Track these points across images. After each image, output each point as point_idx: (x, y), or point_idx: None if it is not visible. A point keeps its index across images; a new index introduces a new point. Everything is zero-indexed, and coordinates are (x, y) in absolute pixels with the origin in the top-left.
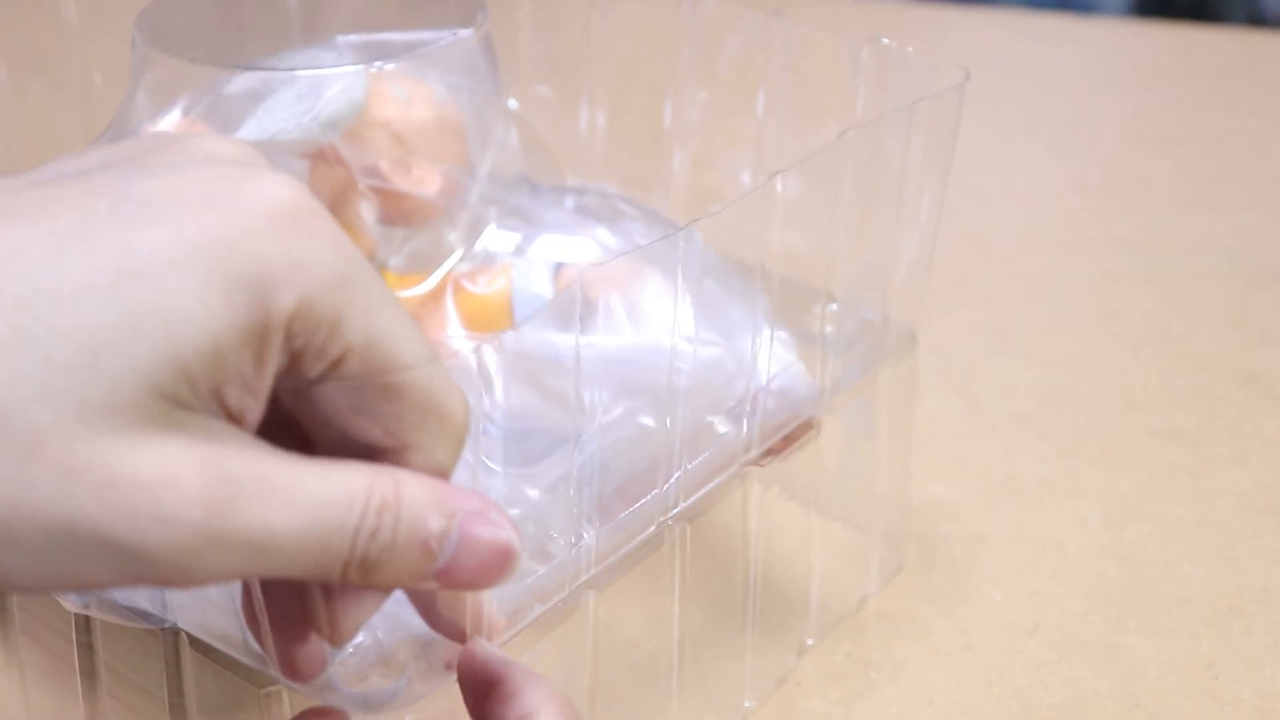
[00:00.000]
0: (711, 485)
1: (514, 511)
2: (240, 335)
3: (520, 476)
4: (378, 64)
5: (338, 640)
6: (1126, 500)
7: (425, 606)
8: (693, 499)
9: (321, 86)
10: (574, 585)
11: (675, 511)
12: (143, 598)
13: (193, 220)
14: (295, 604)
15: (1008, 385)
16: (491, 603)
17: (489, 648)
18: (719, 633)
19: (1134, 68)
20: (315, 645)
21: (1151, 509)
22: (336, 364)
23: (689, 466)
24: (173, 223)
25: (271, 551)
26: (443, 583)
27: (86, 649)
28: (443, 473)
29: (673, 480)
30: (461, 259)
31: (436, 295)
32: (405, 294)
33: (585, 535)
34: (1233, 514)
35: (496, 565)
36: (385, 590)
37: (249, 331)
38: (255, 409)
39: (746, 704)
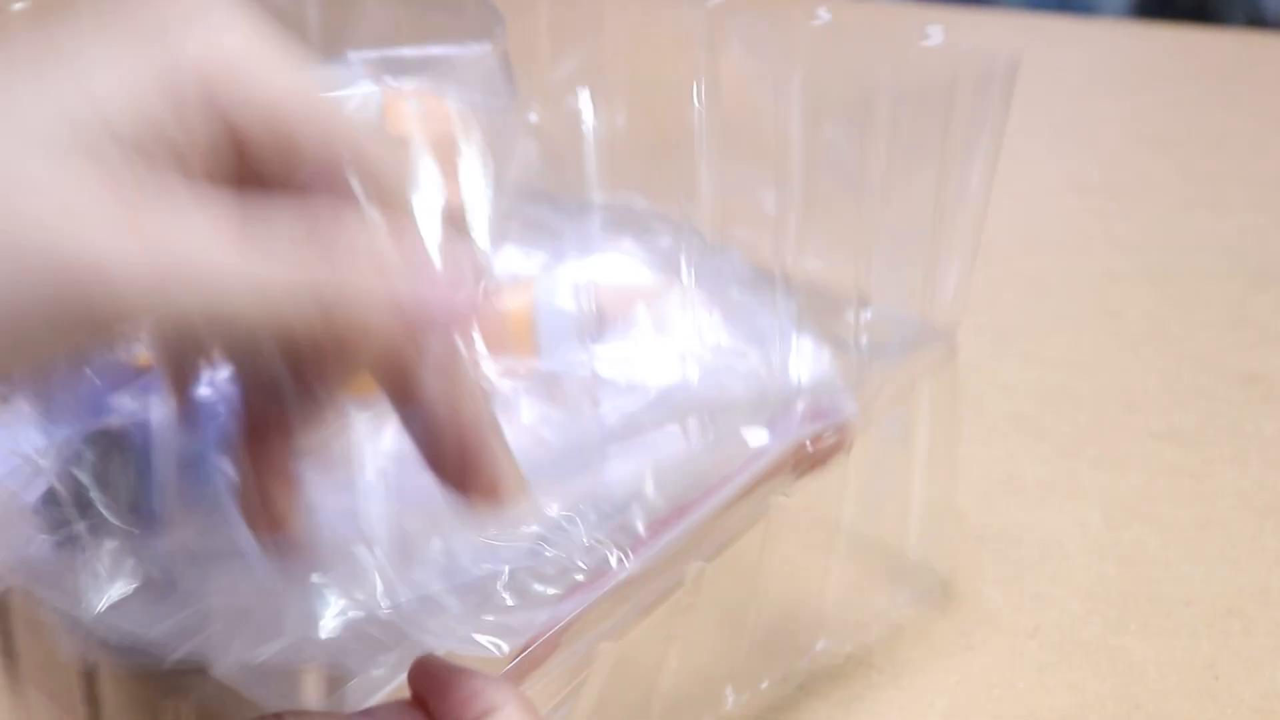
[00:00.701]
0: (739, 522)
1: (533, 529)
2: (154, 84)
3: (542, 492)
4: (390, 81)
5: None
6: (1126, 501)
7: (432, 450)
8: (721, 537)
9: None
10: (591, 636)
11: (701, 551)
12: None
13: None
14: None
15: (1008, 386)
16: (511, 456)
17: (438, 658)
18: (727, 664)
19: (1134, 68)
20: (292, 496)
21: (1152, 510)
22: (262, 124)
23: (719, 498)
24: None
25: (227, 317)
26: (411, 323)
27: (93, 703)
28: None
29: (701, 511)
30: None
31: None
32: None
33: (610, 562)
34: (1233, 515)
35: (462, 300)
36: (364, 359)
37: (161, 82)
38: (192, 172)
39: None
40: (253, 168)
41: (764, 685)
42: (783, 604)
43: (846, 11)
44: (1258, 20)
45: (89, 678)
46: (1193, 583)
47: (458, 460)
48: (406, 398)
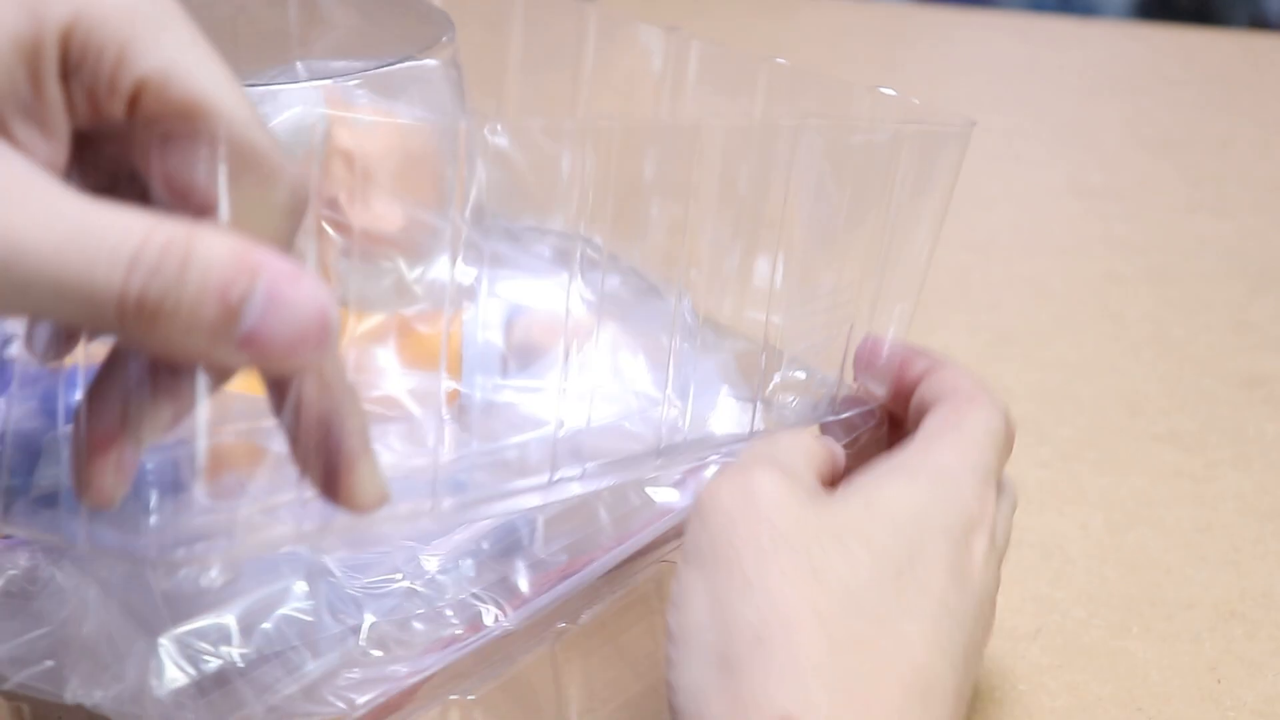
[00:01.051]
0: (633, 574)
1: (403, 582)
2: (9, 43)
3: (422, 547)
4: (320, 81)
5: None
6: (1128, 504)
7: (296, 447)
8: (610, 595)
9: (273, 107)
10: (448, 681)
11: (576, 606)
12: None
13: None
14: (112, 412)
15: (1008, 388)
16: (374, 466)
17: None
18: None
19: (1135, 70)
20: (115, 466)
21: (1153, 513)
22: (133, 102)
23: (613, 551)
24: None
25: (22, 266)
26: (250, 353)
27: None
28: (275, 244)
29: (589, 570)
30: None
31: (380, 332)
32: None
33: (484, 619)
34: (1235, 518)
35: (312, 334)
36: (180, 356)
37: (18, 41)
38: (40, 141)
39: None
40: (116, 132)
41: None
42: None
43: (847, 12)
44: (1260, 21)
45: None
46: (1195, 586)
47: (319, 461)
48: (278, 395)
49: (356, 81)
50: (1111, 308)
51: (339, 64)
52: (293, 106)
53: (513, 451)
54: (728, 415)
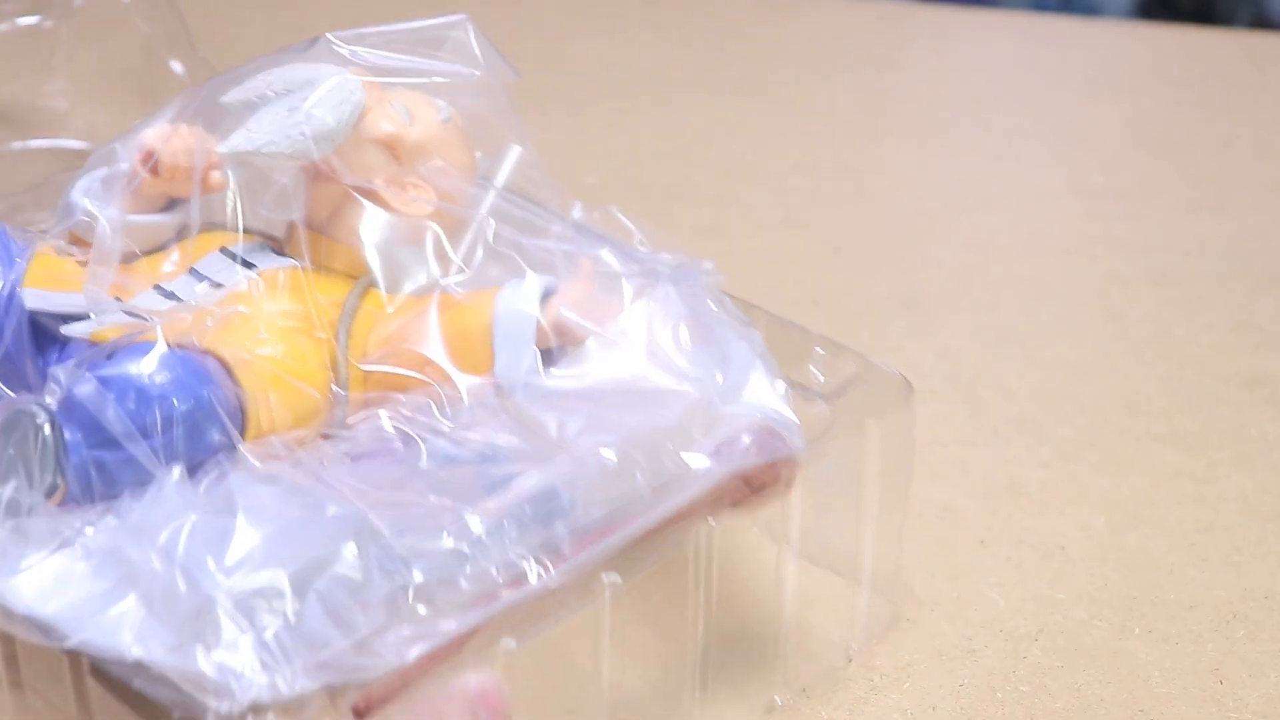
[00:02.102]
0: (668, 545)
1: (449, 540)
2: None
3: (467, 505)
4: (372, 73)
5: None
6: (1129, 505)
7: None
8: (648, 558)
9: (313, 94)
10: (497, 629)
11: (622, 561)
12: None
13: None
14: None
15: (1010, 389)
16: None
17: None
18: (666, 692)
19: (1137, 70)
20: None
21: (1155, 513)
22: None
23: (650, 514)
24: None
25: None
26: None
27: (85, 708)
28: None
29: (629, 529)
30: (456, 278)
31: (422, 312)
32: (388, 325)
33: (529, 575)
34: (1237, 518)
35: None
36: None
37: None
38: None
39: None
40: None
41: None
42: (735, 635)
43: (847, 12)
44: (1262, 21)
45: (80, 682)
46: (1196, 587)
47: None
48: None
49: (390, 59)
50: (1112, 308)
51: (369, 31)
52: (330, 98)
53: (551, 420)
54: (759, 389)
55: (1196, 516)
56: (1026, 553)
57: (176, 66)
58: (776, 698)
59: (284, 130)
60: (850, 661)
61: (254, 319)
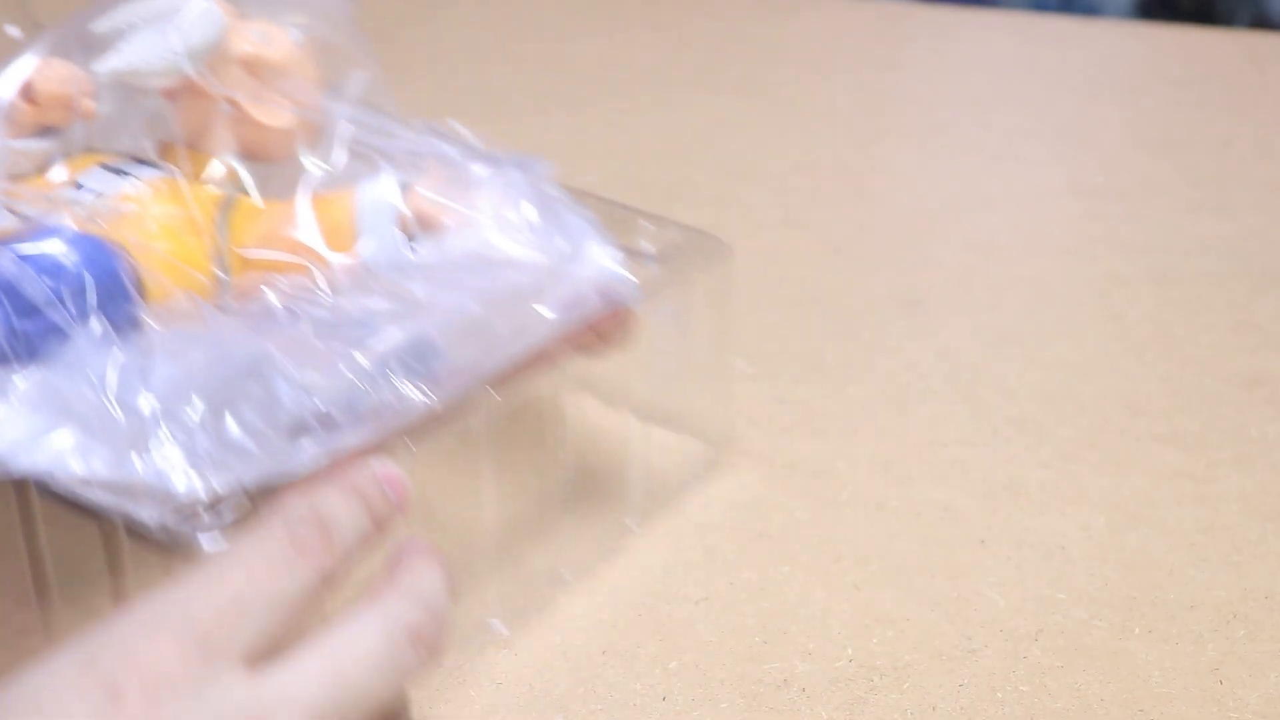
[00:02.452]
0: (530, 364)
1: (348, 376)
2: None
3: (356, 348)
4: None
5: None
6: (1130, 505)
7: None
8: (513, 374)
9: (179, 18)
10: (393, 438)
11: (495, 384)
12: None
13: None
14: None
15: (1010, 389)
16: None
17: None
18: (537, 511)
19: (1137, 70)
20: None
21: (1155, 513)
22: None
23: (512, 348)
24: None
25: None
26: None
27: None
28: None
29: (494, 361)
30: (320, 180)
31: (293, 207)
32: (260, 224)
33: (411, 396)
34: (1237, 519)
35: None
36: None
37: None
38: None
39: (565, 576)
40: None
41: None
42: (589, 471)
43: (847, 12)
44: (1262, 21)
45: (27, 504)
46: (1197, 587)
47: None
48: None
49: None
50: (1113, 308)
51: None
52: (195, 15)
53: (417, 289)
54: (597, 254)
55: (1197, 516)
56: (1027, 553)
57: (13, 31)
58: (628, 521)
59: (157, 51)
60: (683, 491)
61: (142, 216)
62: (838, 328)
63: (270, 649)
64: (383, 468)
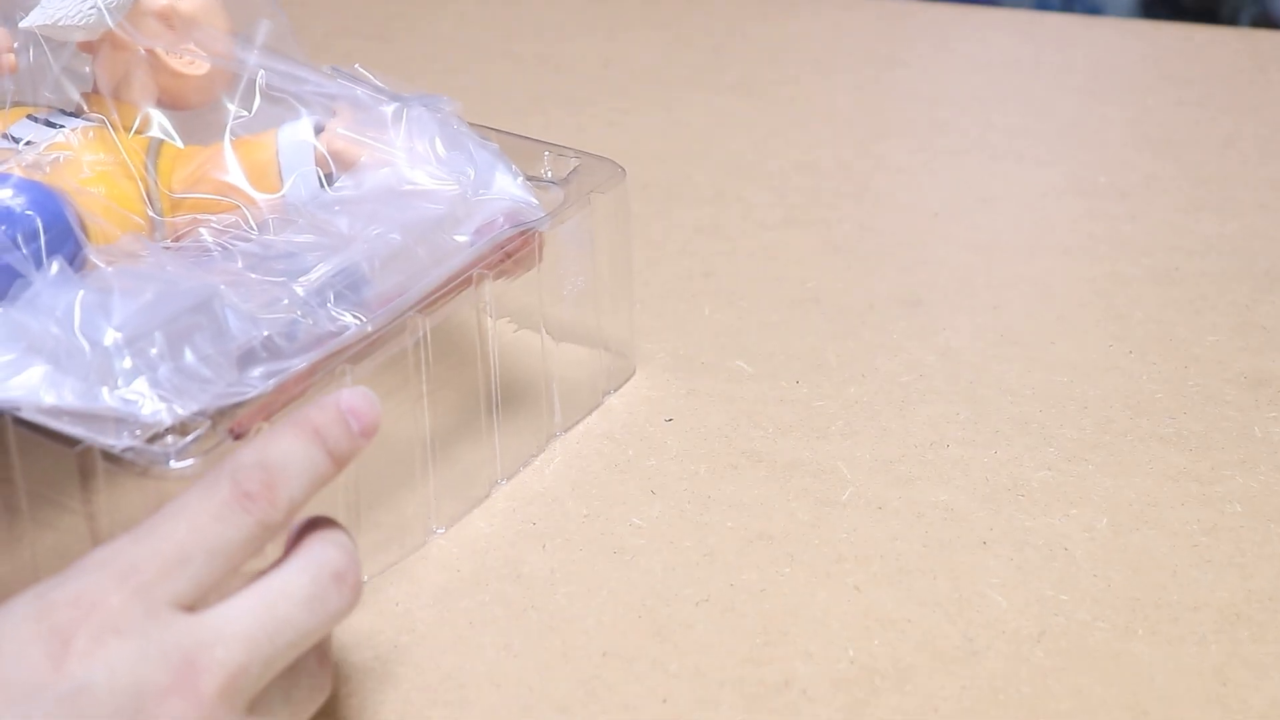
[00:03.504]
0: (451, 287)
1: (285, 304)
2: None
3: (293, 281)
4: None
5: None
6: (1133, 506)
7: None
8: (436, 297)
9: None
10: (335, 361)
11: (421, 307)
12: None
13: None
14: None
15: (1012, 390)
16: None
17: None
18: (467, 424)
19: (1140, 69)
20: None
21: (1158, 514)
22: None
23: (433, 273)
24: None
25: None
26: None
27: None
28: None
29: (419, 286)
30: (240, 124)
31: (217, 150)
32: (185, 166)
33: (345, 321)
34: (1241, 520)
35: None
36: None
37: None
38: None
39: (499, 481)
40: None
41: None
42: (511, 385)
43: (847, 11)
44: (1265, 20)
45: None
46: (1200, 588)
47: None
48: None
49: None
50: (1115, 308)
51: None
52: None
53: (340, 222)
54: (504, 182)
55: (1200, 517)
56: (1029, 554)
57: None
58: (557, 433)
59: (78, 6)
60: (604, 400)
61: (76, 162)
62: (838, 328)
63: (210, 593)
64: (351, 399)
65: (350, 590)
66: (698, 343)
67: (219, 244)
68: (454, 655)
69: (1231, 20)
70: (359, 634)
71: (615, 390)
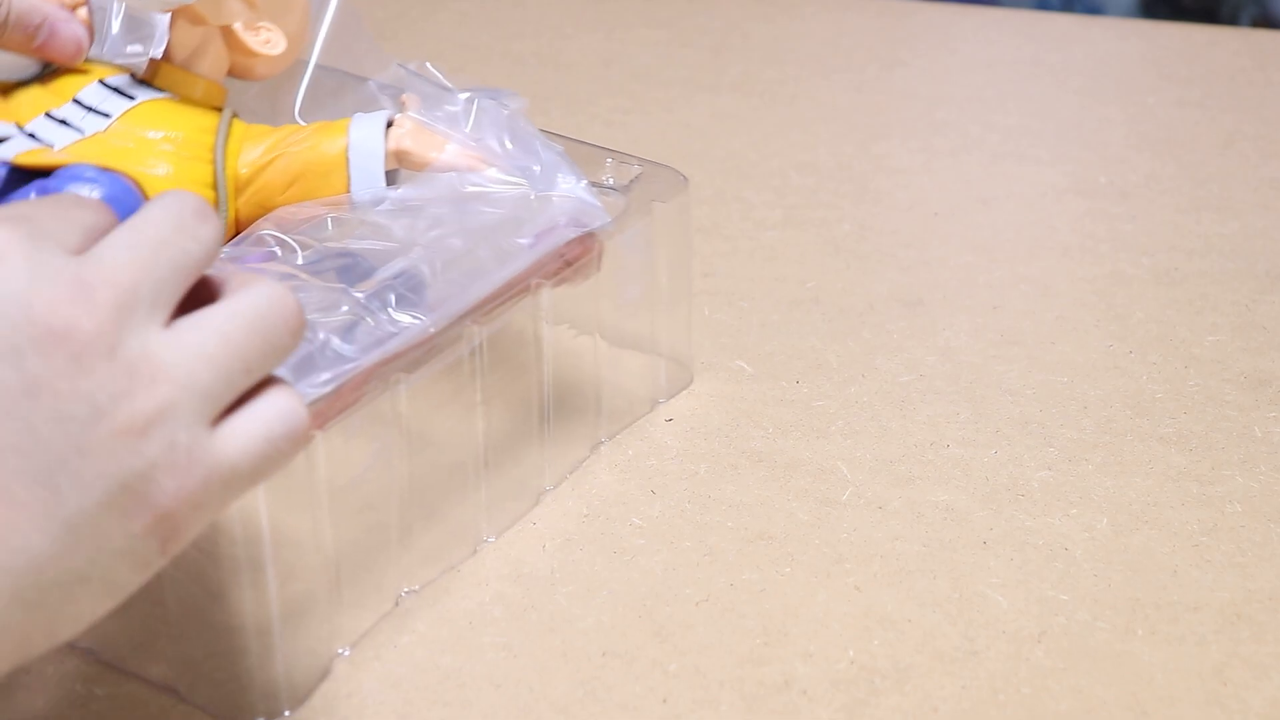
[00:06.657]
0: (508, 295)
1: (344, 309)
2: None
3: (351, 281)
4: None
5: None
6: (1133, 506)
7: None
8: (494, 305)
9: None
10: (390, 368)
11: (478, 316)
12: None
13: None
14: None
15: (1013, 390)
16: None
17: None
18: (520, 432)
19: (1140, 69)
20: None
21: (1159, 515)
22: None
23: (494, 275)
24: None
25: None
26: (42, 54)
27: None
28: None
29: (478, 286)
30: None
31: (284, 138)
32: (253, 149)
33: (403, 323)
34: (1241, 520)
35: (71, 47)
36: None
37: None
38: None
39: (546, 486)
40: None
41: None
42: (565, 391)
43: (847, 11)
44: (1265, 20)
45: None
46: (1200, 588)
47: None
48: None
49: None
50: (1116, 308)
51: None
52: None
53: (402, 226)
54: (568, 184)
55: (1201, 518)
56: (1029, 554)
57: None
58: (602, 439)
59: None
60: (652, 410)
61: (143, 144)
62: (838, 328)
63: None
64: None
65: (298, 323)
66: (697, 343)
67: (281, 241)
68: (454, 655)
69: (1231, 20)
70: (359, 634)
71: (671, 398)
